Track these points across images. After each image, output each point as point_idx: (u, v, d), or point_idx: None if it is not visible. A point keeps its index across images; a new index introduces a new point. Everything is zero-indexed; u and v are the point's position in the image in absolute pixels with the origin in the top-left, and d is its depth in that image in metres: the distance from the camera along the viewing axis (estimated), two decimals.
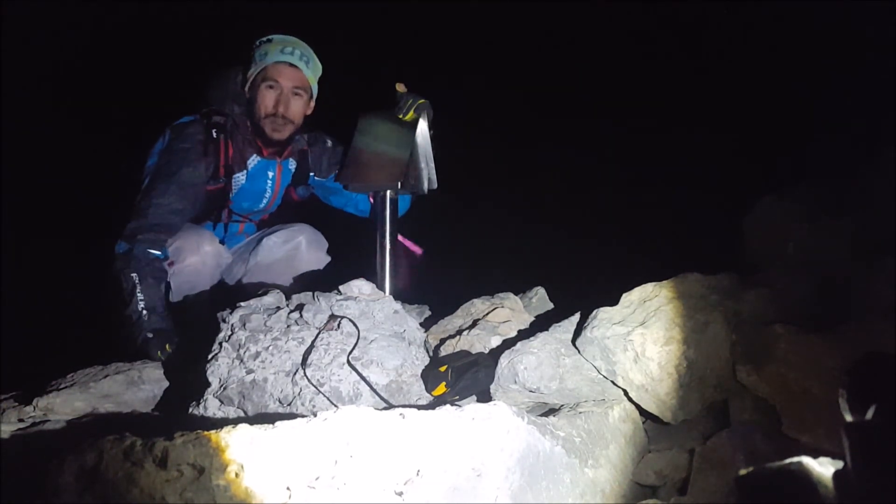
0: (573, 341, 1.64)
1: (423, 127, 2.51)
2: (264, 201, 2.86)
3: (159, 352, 2.20)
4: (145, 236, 2.41)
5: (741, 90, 4.35)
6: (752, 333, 1.43)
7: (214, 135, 2.61)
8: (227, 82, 2.70)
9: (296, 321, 1.73)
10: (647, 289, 1.63)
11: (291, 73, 2.61)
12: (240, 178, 2.71)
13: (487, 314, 2.01)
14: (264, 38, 2.62)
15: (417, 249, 2.68)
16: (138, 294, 2.34)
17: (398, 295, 2.22)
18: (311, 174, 2.92)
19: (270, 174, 2.82)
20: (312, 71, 2.68)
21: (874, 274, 1.48)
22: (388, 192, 2.46)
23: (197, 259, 2.48)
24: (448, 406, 1.21)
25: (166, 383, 1.97)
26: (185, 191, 2.51)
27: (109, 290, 2.47)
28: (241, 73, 2.69)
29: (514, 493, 1.07)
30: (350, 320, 1.72)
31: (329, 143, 2.92)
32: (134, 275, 2.35)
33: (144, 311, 2.31)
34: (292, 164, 2.87)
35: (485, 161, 5.03)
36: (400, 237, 2.59)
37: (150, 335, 2.25)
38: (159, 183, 2.52)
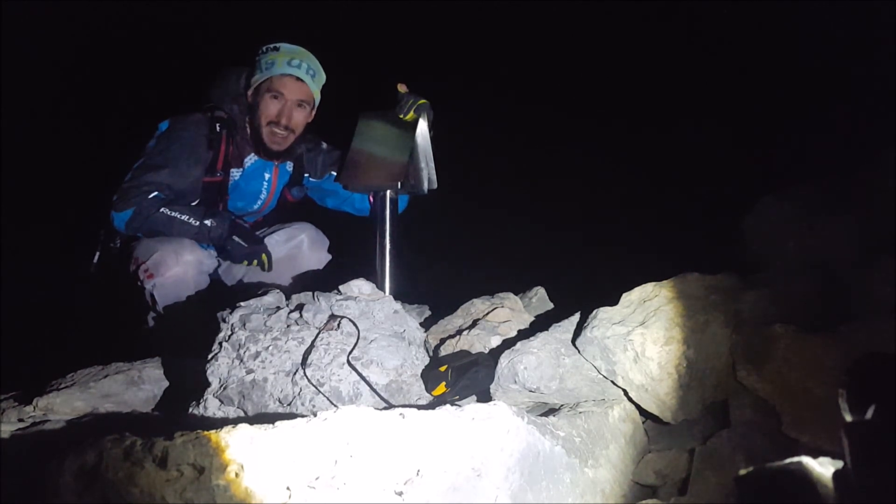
0: (573, 341, 1.64)
1: (423, 127, 2.51)
2: (259, 202, 2.86)
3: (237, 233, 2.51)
4: (139, 191, 2.45)
5: (741, 90, 4.35)
6: (752, 333, 1.42)
7: (218, 128, 2.61)
8: (229, 82, 2.71)
9: (296, 321, 1.73)
10: (647, 289, 1.63)
11: (297, 87, 2.61)
12: (235, 174, 2.71)
13: (487, 314, 2.01)
14: (271, 46, 2.61)
15: None
16: (180, 217, 2.46)
17: (398, 295, 2.22)
18: (307, 175, 2.92)
19: (267, 175, 2.82)
20: (317, 83, 2.69)
21: (874, 274, 1.47)
22: (389, 192, 2.47)
23: (179, 269, 2.47)
24: (448, 406, 1.21)
25: (166, 383, 1.97)
26: (179, 176, 2.52)
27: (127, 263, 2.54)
28: (244, 76, 2.69)
29: (514, 493, 1.07)
30: (350, 320, 1.72)
31: (324, 145, 2.93)
32: (163, 211, 2.44)
33: (197, 222, 2.47)
34: (289, 166, 2.88)
35: (485, 161, 5.03)
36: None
37: (216, 223, 2.49)
38: (154, 164, 2.52)
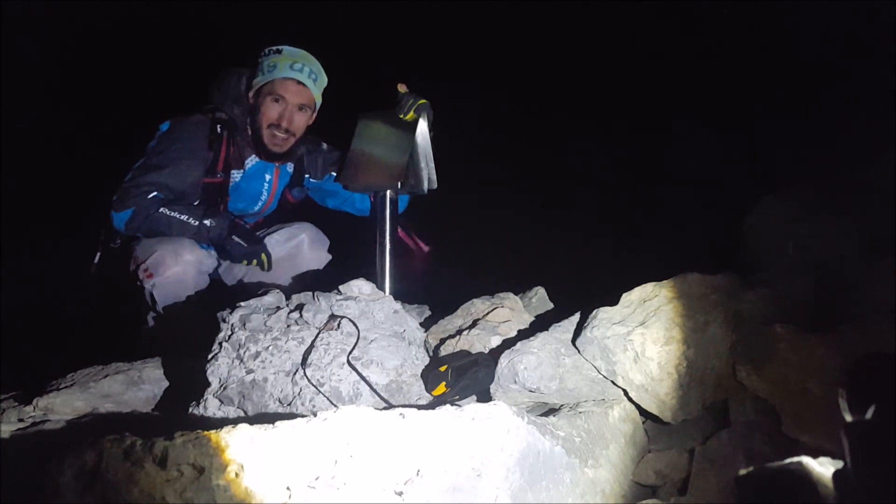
0: (573, 341, 1.64)
1: (423, 127, 2.51)
2: (259, 203, 2.86)
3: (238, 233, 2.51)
4: (139, 190, 2.45)
5: (742, 90, 4.35)
6: (752, 333, 1.43)
7: (219, 130, 2.61)
8: (230, 84, 2.70)
9: (296, 321, 1.73)
10: (647, 289, 1.63)
11: (298, 90, 2.62)
12: (235, 175, 2.72)
13: (487, 314, 2.01)
14: (274, 49, 2.61)
15: (424, 247, 2.69)
16: (179, 217, 2.46)
17: (398, 295, 2.22)
18: (307, 176, 2.93)
19: (268, 177, 2.82)
20: (318, 87, 2.69)
21: (874, 274, 1.48)
22: (389, 192, 2.47)
23: (178, 269, 2.46)
24: (448, 406, 1.21)
25: (166, 383, 1.97)
26: (179, 176, 2.52)
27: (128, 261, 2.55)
28: (246, 78, 2.69)
29: (514, 492, 1.07)
30: (350, 320, 1.72)
31: (324, 145, 2.93)
32: (162, 211, 2.44)
33: (196, 222, 2.46)
34: (290, 167, 2.88)
35: (485, 161, 5.03)
36: (402, 234, 2.60)
37: (215, 223, 2.48)
38: (154, 164, 2.52)
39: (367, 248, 2.47)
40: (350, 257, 2.70)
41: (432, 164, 2.54)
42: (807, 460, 0.82)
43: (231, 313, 1.76)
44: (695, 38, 4.78)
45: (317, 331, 1.70)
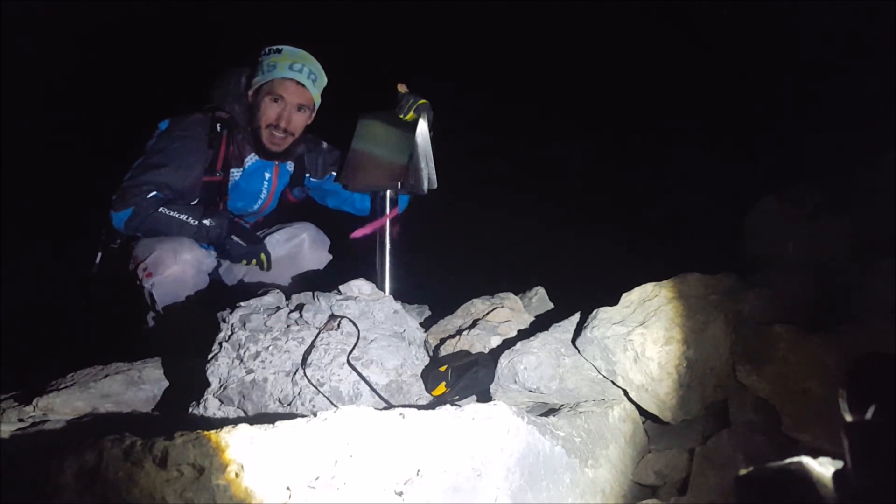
0: (573, 341, 1.64)
1: (423, 127, 2.51)
2: (259, 202, 2.86)
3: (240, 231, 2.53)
4: (138, 190, 2.45)
5: (741, 89, 4.35)
6: (752, 333, 1.43)
7: (219, 128, 2.62)
8: (230, 83, 2.71)
9: (296, 321, 1.73)
10: (647, 289, 1.63)
11: (298, 91, 2.62)
12: (235, 174, 2.72)
13: (487, 314, 2.01)
14: (274, 48, 2.62)
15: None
16: (179, 217, 2.45)
17: (398, 295, 2.22)
18: (308, 175, 2.93)
19: (267, 175, 2.82)
20: (318, 87, 2.70)
21: (874, 274, 1.48)
22: (388, 192, 2.47)
23: (177, 268, 2.45)
24: (448, 406, 1.21)
25: (166, 383, 1.97)
26: (178, 175, 2.52)
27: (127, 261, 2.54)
28: (246, 77, 2.69)
29: (514, 492, 1.07)
30: (350, 320, 1.72)
31: (325, 145, 2.93)
32: (162, 210, 2.44)
33: (196, 221, 2.46)
34: (290, 166, 2.88)
35: (485, 161, 5.03)
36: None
37: (214, 222, 2.49)
38: (153, 163, 2.52)
39: (367, 248, 2.47)
40: (350, 257, 2.70)
41: (432, 164, 2.54)
42: (807, 460, 0.82)
43: (231, 313, 1.77)
44: (695, 38, 4.78)
45: (317, 331, 1.70)
